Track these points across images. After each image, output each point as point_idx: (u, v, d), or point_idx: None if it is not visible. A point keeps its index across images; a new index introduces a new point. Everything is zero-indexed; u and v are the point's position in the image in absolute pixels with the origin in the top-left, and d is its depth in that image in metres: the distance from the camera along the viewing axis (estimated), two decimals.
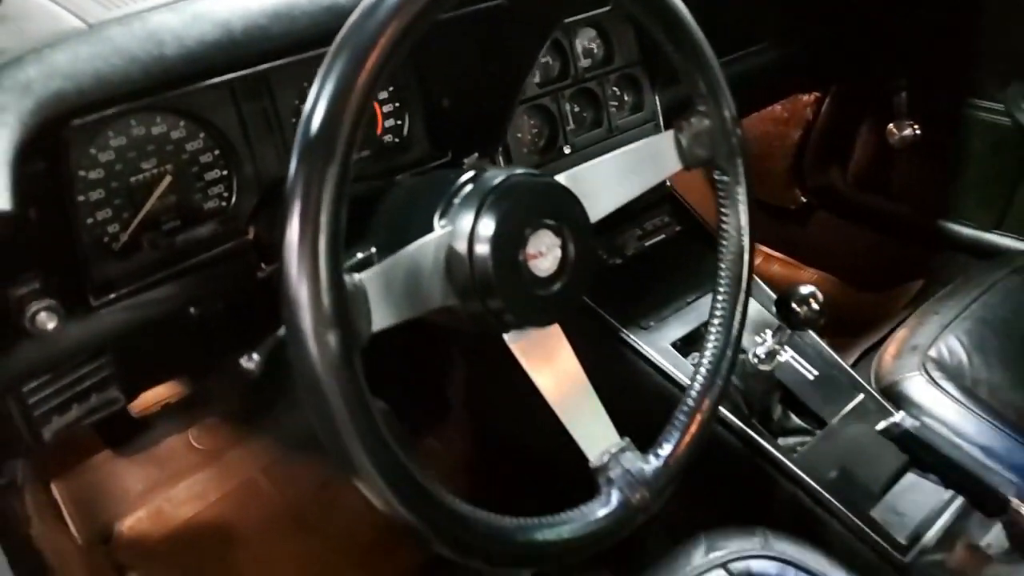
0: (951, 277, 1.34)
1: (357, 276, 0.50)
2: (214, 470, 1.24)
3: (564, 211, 0.61)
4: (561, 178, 0.64)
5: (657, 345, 1.01)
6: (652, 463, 0.64)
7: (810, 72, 1.56)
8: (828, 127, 1.71)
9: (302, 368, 0.47)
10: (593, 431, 0.64)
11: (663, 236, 1.17)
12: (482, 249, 0.57)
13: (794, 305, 0.87)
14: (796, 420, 1.00)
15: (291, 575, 1.18)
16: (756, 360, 0.94)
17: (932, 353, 1.14)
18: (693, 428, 0.67)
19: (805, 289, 0.88)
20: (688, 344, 1.03)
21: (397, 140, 0.96)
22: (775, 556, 0.84)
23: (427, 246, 0.57)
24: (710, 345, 0.71)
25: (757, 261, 1.87)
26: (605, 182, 0.67)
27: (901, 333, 1.21)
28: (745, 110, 1.62)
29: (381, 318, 0.51)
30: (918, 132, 1.56)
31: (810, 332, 1.08)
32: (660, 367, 0.99)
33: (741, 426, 0.94)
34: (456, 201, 0.60)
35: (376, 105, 0.93)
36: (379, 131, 0.95)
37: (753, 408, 0.96)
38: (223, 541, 1.19)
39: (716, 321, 0.71)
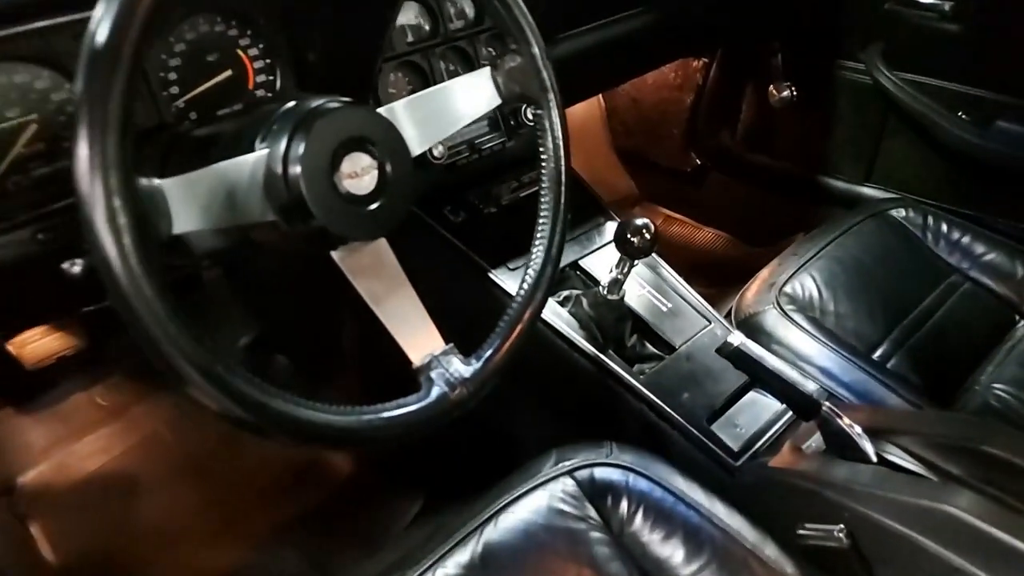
0: None
1: (157, 180, 0.56)
2: (118, 425, 1.29)
3: (379, 135, 0.68)
4: (387, 108, 0.71)
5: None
6: (472, 365, 0.71)
7: (693, 36, 1.64)
8: (717, 91, 1.81)
9: (100, 265, 0.52)
10: (417, 336, 0.71)
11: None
12: (295, 169, 0.63)
13: (629, 236, 0.95)
14: (650, 347, 1.09)
15: (194, 521, 1.24)
16: (604, 290, 1.02)
17: (787, 289, 1.24)
18: (512, 336, 0.74)
19: (639, 221, 0.96)
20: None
21: (270, 94, 1.02)
22: (619, 464, 0.92)
23: (243, 165, 0.63)
24: (532, 262, 0.78)
25: (657, 222, 1.99)
26: (427, 115, 0.74)
27: (764, 273, 1.31)
28: (631, 72, 1.73)
29: (184, 222, 0.57)
30: (795, 93, 1.67)
31: (668, 269, 1.17)
32: None
33: (594, 352, 1.02)
34: (275, 127, 0.66)
35: (246, 59, 0.99)
36: (250, 85, 1.00)
37: (607, 336, 1.04)
38: (127, 491, 1.24)
39: (537, 241, 0.79)
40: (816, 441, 0.95)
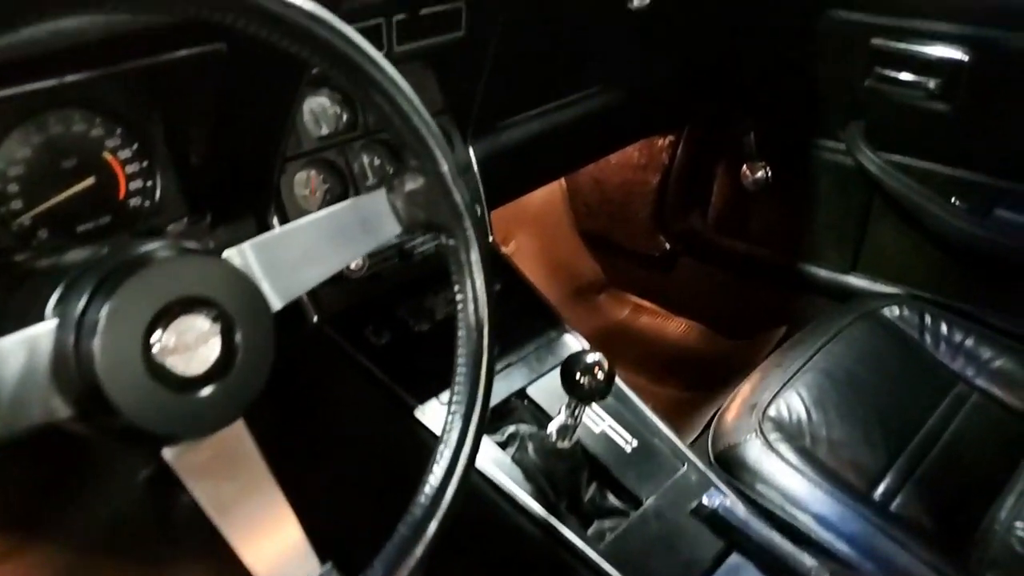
0: (811, 322, 1.28)
1: None
2: None
3: (222, 292, 0.50)
4: (238, 251, 0.53)
5: None
6: None
7: (656, 115, 1.51)
8: (685, 171, 1.67)
9: None
10: (280, 557, 0.52)
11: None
12: (90, 346, 0.45)
13: (578, 376, 0.78)
14: (612, 499, 0.90)
15: None
16: (553, 437, 0.84)
17: (771, 412, 1.06)
18: (412, 555, 0.56)
19: (591, 357, 0.78)
20: (493, 418, 0.92)
21: (147, 203, 0.84)
22: None
23: (18, 344, 0.45)
24: (440, 451, 0.60)
25: (625, 312, 1.82)
26: (304, 252, 0.56)
27: (744, 389, 1.13)
28: (588, 157, 1.58)
29: None
30: (770, 173, 1.53)
31: (631, 395, 0.99)
32: None
33: (542, 513, 0.83)
34: (73, 284, 0.48)
35: (115, 163, 0.81)
36: (122, 194, 0.83)
37: (559, 490, 0.86)
38: None
39: (449, 419, 0.61)
40: None
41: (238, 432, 0.53)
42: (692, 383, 1.55)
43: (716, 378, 1.50)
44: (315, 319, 0.93)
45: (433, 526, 0.57)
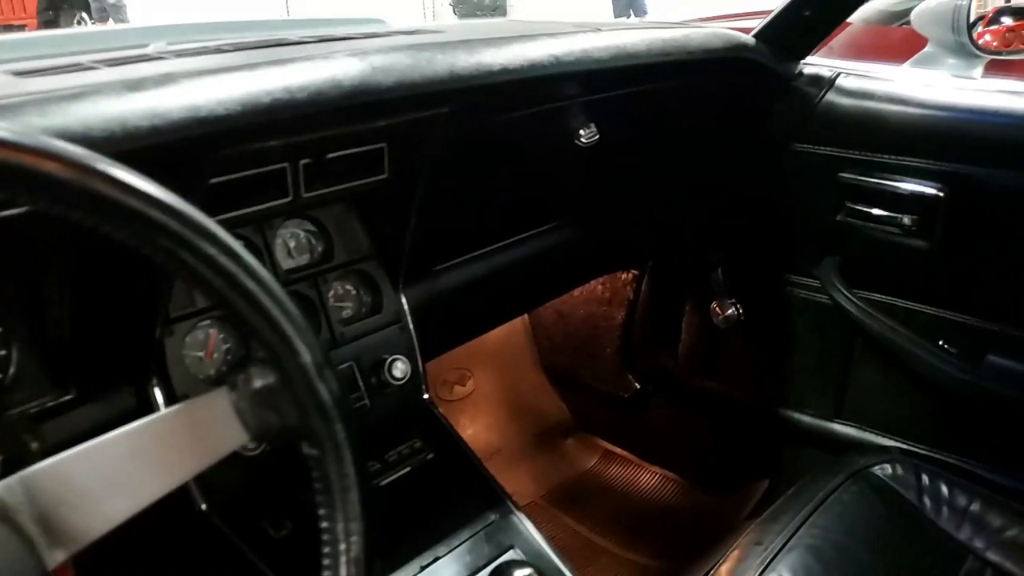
0: (797, 475, 1.13)
1: None
2: None
3: None
4: (5, 487, 0.39)
5: None
6: None
7: (616, 251, 1.41)
8: (652, 306, 1.56)
9: None
10: None
11: (408, 468, 0.92)
12: None
13: None
14: None
15: None
16: None
17: None
18: None
19: (520, 573, 0.63)
20: None
21: (0, 377, 0.71)
22: None
23: None
24: None
25: (594, 459, 1.67)
26: (108, 480, 0.42)
27: (722, 570, 0.97)
28: (545, 295, 1.47)
29: None
30: (741, 311, 1.41)
31: None
32: None
33: None
34: None
35: None
36: None
37: None
38: None
39: None
40: None
41: None
42: (665, 548, 1.38)
43: (692, 541, 1.34)
44: (202, 507, 0.78)
45: None
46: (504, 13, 7.53)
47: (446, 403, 1.62)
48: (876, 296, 1.25)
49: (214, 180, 0.70)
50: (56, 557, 0.40)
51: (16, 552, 0.38)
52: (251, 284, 0.44)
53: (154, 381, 0.77)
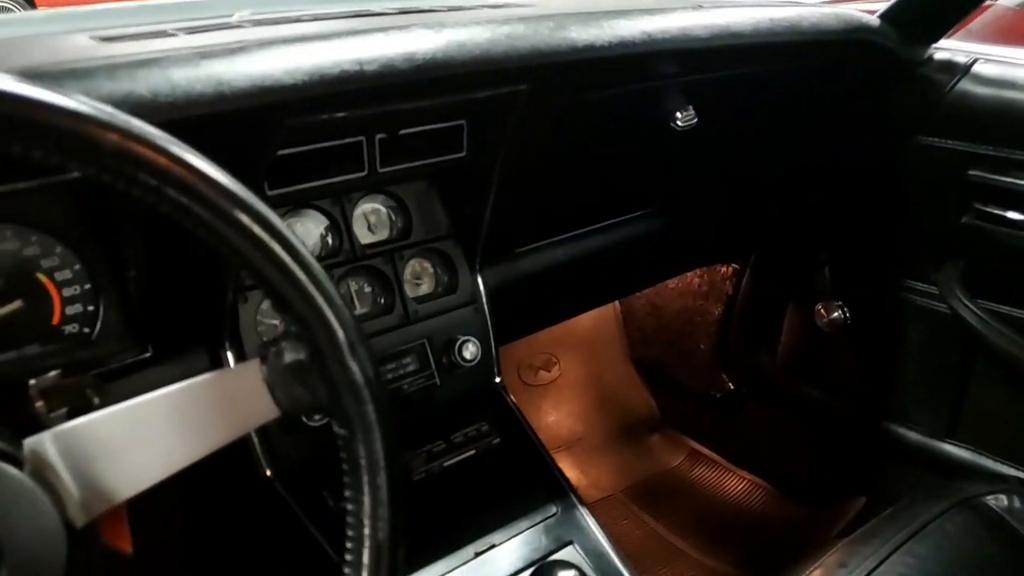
0: (898, 496, 1.04)
1: None
2: None
3: None
4: (37, 442, 0.40)
5: None
6: None
7: (715, 242, 1.34)
8: (751, 303, 1.47)
9: None
10: None
11: (472, 451, 0.90)
12: None
13: None
14: None
15: None
16: None
17: None
18: None
19: (565, 573, 0.60)
20: None
21: (87, 330, 0.75)
22: None
23: None
24: None
25: (680, 458, 1.61)
26: (138, 442, 0.43)
27: None
28: (634, 285, 1.41)
29: None
30: (848, 315, 1.31)
31: None
32: None
33: None
34: None
35: (50, 285, 0.73)
36: (56, 319, 0.73)
37: None
38: None
39: None
40: None
41: None
42: (747, 558, 1.31)
43: (776, 553, 1.26)
44: (268, 473, 0.79)
45: None
46: None
47: (530, 388, 1.60)
48: (1003, 308, 1.13)
49: (287, 151, 0.70)
50: (84, 516, 0.41)
51: (44, 508, 0.39)
52: (285, 256, 0.43)
53: (227, 345, 0.78)
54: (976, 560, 0.93)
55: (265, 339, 0.81)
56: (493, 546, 0.80)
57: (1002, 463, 1.15)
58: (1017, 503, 1.00)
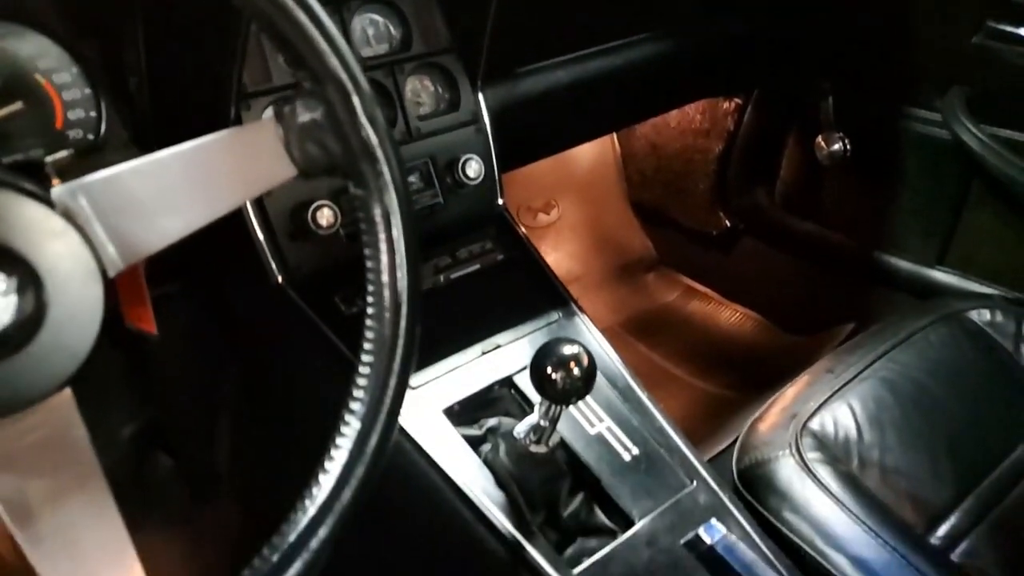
0: (885, 318, 1.09)
1: None
2: None
3: (23, 242, 0.39)
4: (67, 191, 0.42)
5: (423, 410, 0.77)
6: None
7: (719, 72, 1.32)
8: (752, 139, 1.47)
9: None
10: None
11: (477, 266, 0.93)
12: None
13: (550, 371, 0.63)
14: (600, 515, 0.76)
15: None
16: (525, 440, 0.70)
17: (813, 425, 0.89)
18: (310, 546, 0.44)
19: (568, 349, 0.64)
20: (470, 408, 0.79)
21: (91, 136, 0.75)
22: None
23: None
24: (338, 444, 0.47)
25: (675, 294, 1.65)
26: (161, 197, 0.44)
27: (786, 395, 0.96)
28: (636, 114, 1.40)
29: None
30: (848, 146, 1.32)
31: (639, 389, 0.84)
32: (415, 441, 0.74)
33: (510, 530, 0.70)
34: None
35: (50, 88, 0.72)
36: (59, 123, 0.73)
37: (533, 501, 0.72)
38: None
39: (351, 407, 0.48)
40: None
41: (58, 415, 0.42)
42: (738, 381, 1.37)
43: (767, 377, 1.32)
44: (279, 279, 0.82)
45: (323, 532, 0.45)
46: None
47: (529, 230, 1.61)
48: (1005, 132, 1.13)
49: None
50: (115, 265, 0.42)
51: (81, 253, 0.41)
52: (300, 13, 0.43)
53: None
54: (955, 366, 0.99)
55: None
56: (498, 346, 0.84)
57: (988, 285, 1.19)
58: (999, 317, 1.04)
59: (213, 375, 1.02)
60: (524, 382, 0.82)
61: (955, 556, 0.81)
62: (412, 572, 0.83)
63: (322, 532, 0.45)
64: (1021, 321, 1.04)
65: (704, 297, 1.59)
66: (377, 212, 0.47)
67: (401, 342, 0.48)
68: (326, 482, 0.46)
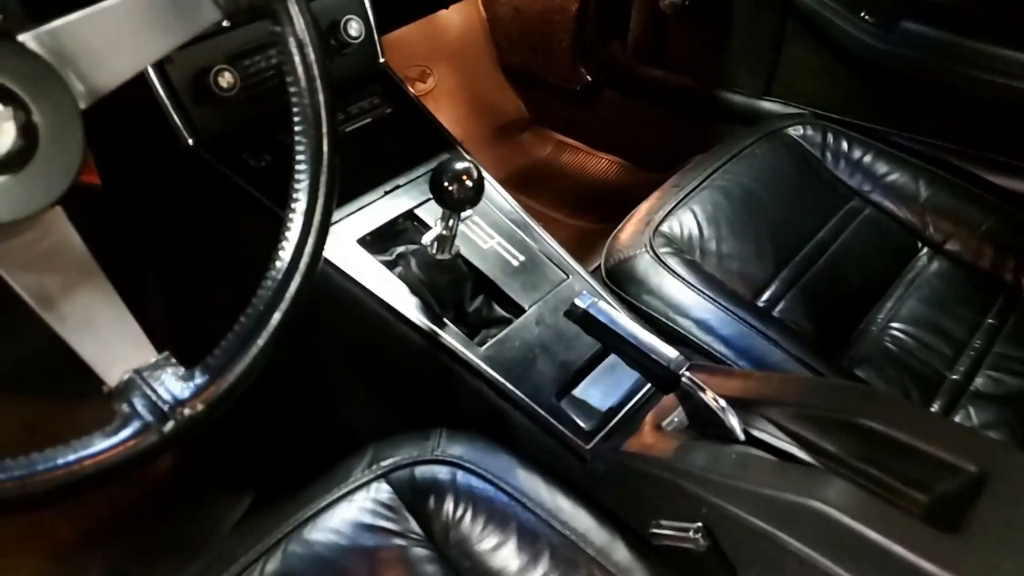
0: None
1: None
2: None
3: (14, 74, 0.48)
4: (33, 36, 0.50)
5: (340, 242, 0.90)
6: (194, 380, 0.54)
7: None
8: None
9: None
10: (113, 347, 0.53)
11: (369, 119, 1.04)
12: None
13: (446, 184, 0.77)
14: (499, 310, 0.92)
15: None
16: (432, 249, 0.85)
17: (664, 228, 1.08)
18: (258, 341, 0.56)
19: (459, 164, 0.78)
20: (380, 239, 0.93)
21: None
22: (445, 459, 0.77)
23: None
24: (283, 242, 0.59)
25: (547, 149, 1.80)
26: (110, 41, 0.53)
27: (641, 209, 1.15)
28: None
29: None
30: None
31: (523, 215, 0.99)
32: (338, 267, 0.88)
33: (426, 323, 0.85)
34: None
35: None
36: None
37: (443, 301, 0.88)
38: None
39: (290, 214, 0.60)
40: (680, 415, 0.81)
41: (56, 220, 0.52)
42: (608, 215, 1.56)
43: (631, 208, 1.51)
44: (190, 142, 0.90)
45: (276, 317, 0.58)
46: None
47: None
48: None
49: None
50: (85, 97, 0.52)
51: (60, 88, 0.50)
52: None
53: None
54: (776, 172, 1.20)
55: None
56: (399, 186, 0.97)
57: (804, 108, 1.40)
58: (810, 131, 1.26)
59: (140, 236, 1.10)
60: (424, 213, 0.96)
61: (776, 313, 1.03)
62: (352, 368, 0.98)
63: (276, 316, 0.58)
64: (826, 133, 1.25)
65: (574, 149, 1.75)
66: (292, 43, 0.58)
67: (326, 144, 0.60)
68: (281, 264, 0.58)
